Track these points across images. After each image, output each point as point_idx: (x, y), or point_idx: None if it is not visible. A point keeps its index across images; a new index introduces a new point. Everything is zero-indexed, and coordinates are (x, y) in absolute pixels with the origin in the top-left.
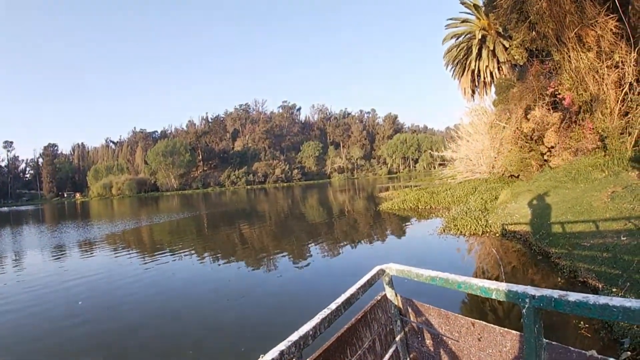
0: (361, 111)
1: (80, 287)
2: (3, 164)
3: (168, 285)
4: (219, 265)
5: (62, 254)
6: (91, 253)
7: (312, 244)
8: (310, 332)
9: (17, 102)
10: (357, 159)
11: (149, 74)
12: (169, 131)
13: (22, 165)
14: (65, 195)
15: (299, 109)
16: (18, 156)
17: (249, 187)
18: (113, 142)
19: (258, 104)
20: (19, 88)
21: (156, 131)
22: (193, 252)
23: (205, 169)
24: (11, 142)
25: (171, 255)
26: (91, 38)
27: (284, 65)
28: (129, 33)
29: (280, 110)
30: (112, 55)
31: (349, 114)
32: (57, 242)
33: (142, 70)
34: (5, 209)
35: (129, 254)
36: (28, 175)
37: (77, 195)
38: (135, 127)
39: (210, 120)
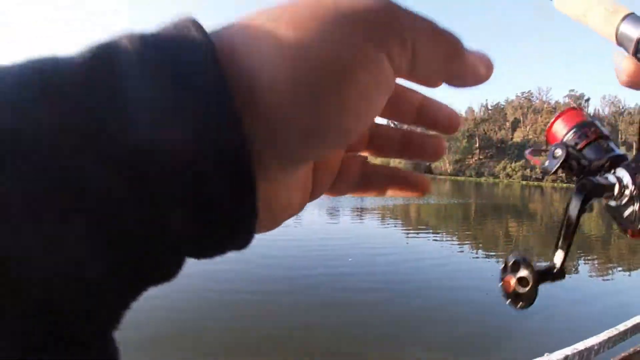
0: None
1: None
2: None
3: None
4: (477, 257)
5: (335, 218)
6: (360, 220)
7: (583, 260)
8: (595, 347)
9: None
10: None
11: None
12: None
13: None
14: None
15: (588, 99)
16: None
17: (524, 182)
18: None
19: (542, 92)
20: None
21: None
22: (455, 238)
23: (480, 157)
24: None
25: (432, 235)
26: None
27: (572, 56)
28: None
29: (567, 100)
30: None
31: None
32: (329, 205)
33: None
34: None
35: (395, 226)
36: None
37: None
38: None
39: (490, 108)
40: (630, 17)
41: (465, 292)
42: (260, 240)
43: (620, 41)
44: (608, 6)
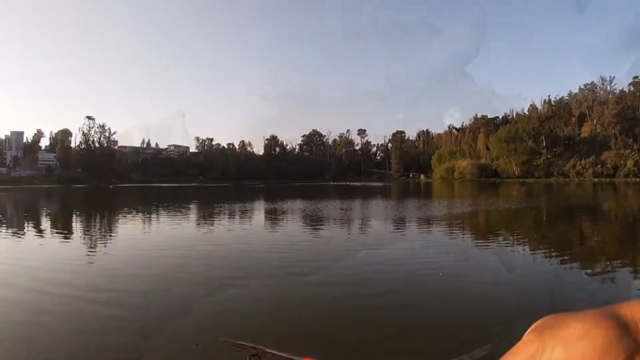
0: None
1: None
2: (358, 148)
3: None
4: (551, 264)
5: (402, 227)
6: (428, 230)
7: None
8: None
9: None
10: None
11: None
12: (511, 116)
13: (374, 149)
14: (411, 175)
15: None
16: (370, 141)
17: (595, 179)
18: (456, 129)
19: (605, 82)
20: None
21: (497, 117)
22: (526, 244)
23: (548, 156)
24: (364, 130)
25: (501, 243)
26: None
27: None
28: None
29: (632, 89)
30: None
31: None
32: (401, 216)
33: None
34: (358, 183)
35: (463, 236)
36: (379, 158)
37: (422, 176)
38: (476, 114)
39: (553, 103)
40: None
41: None
42: None
43: None
44: None
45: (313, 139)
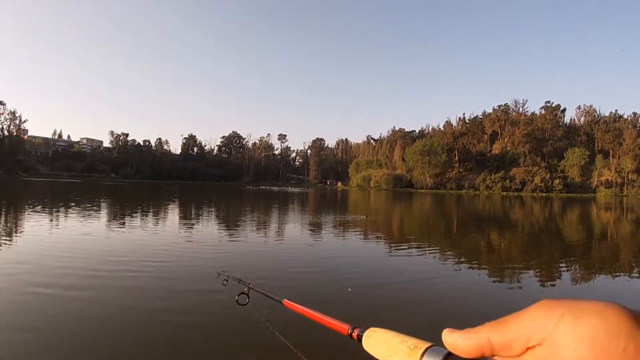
0: (634, 114)
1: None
2: (277, 152)
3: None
4: (459, 268)
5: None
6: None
7: (564, 266)
8: None
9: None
10: (627, 173)
11: (410, 74)
12: (427, 131)
13: (293, 155)
14: (328, 182)
15: (564, 110)
16: (290, 147)
17: (504, 193)
18: (373, 139)
19: (518, 105)
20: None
21: (414, 130)
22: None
23: (460, 170)
24: (285, 135)
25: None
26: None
27: (547, 62)
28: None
29: (543, 112)
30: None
31: (620, 117)
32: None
33: (403, 72)
34: (276, 188)
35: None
36: (297, 163)
37: (339, 183)
38: (394, 126)
39: (467, 121)
40: (431, 349)
41: None
42: None
43: None
44: (410, 344)
45: (232, 141)
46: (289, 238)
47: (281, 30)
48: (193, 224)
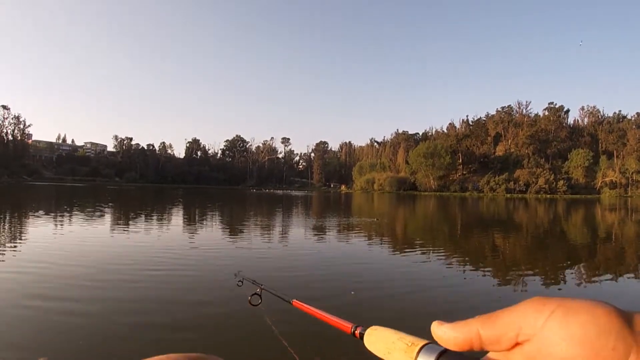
0: (638, 114)
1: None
2: (281, 156)
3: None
4: (465, 274)
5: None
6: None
7: (569, 269)
8: None
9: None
10: (632, 173)
11: (413, 77)
12: (430, 133)
13: (296, 158)
14: (332, 185)
15: (567, 111)
16: (293, 150)
17: (508, 195)
18: (377, 142)
19: (522, 106)
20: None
21: (417, 133)
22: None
23: (464, 172)
24: (288, 139)
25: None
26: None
27: (550, 64)
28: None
29: (546, 113)
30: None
31: (624, 117)
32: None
33: (406, 74)
34: (279, 192)
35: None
36: (301, 167)
37: (343, 186)
38: (398, 129)
39: (471, 123)
40: (427, 346)
41: None
42: None
43: None
44: (407, 341)
45: (236, 145)
46: (295, 242)
47: (283, 32)
48: (197, 229)
